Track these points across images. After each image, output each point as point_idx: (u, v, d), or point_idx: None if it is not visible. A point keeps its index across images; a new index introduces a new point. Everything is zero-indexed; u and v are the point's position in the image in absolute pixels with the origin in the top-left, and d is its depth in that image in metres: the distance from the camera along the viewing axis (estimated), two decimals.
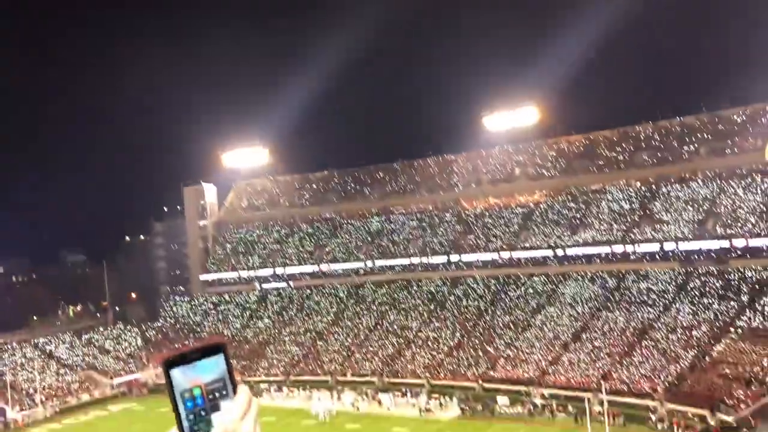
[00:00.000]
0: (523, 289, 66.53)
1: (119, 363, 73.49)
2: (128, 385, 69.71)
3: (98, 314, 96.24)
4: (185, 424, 1.52)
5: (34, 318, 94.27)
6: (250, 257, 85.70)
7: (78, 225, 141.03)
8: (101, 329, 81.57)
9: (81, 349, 75.59)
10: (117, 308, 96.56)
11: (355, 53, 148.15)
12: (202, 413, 1.53)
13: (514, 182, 76.90)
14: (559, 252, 66.51)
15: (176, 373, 1.53)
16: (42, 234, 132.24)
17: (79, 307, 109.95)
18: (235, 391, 1.58)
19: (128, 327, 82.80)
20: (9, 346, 71.92)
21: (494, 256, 70.30)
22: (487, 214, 75.41)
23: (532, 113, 77.30)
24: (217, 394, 1.54)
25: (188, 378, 1.53)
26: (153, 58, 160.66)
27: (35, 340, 75.20)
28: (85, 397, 66.02)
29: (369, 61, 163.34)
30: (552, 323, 60.28)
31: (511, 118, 77.33)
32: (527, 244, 69.29)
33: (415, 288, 73.03)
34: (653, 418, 44.73)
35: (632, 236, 63.11)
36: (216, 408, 1.53)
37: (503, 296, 66.97)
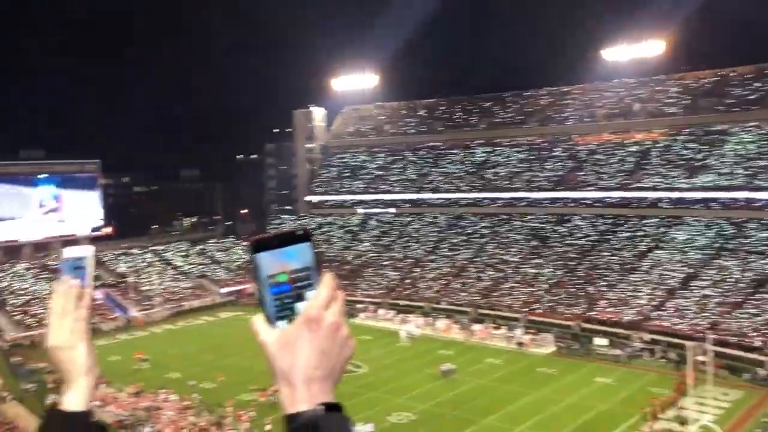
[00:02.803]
0: (632, 230, 63.98)
1: (228, 273, 77.85)
2: (237, 294, 73.89)
3: (211, 227, 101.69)
4: (271, 309, 1.48)
5: (154, 227, 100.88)
6: (353, 182, 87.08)
7: (196, 143, 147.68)
8: (213, 241, 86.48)
9: (194, 258, 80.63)
10: (228, 222, 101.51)
11: None
12: (288, 300, 1.47)
13: (631, 118, 72.88)
14: (675, 194, 63.09)
15: (263, 256, 1.46)
16: (163, 150, 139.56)
17: (194, 220, 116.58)
18: (321, 282, 1.49)
19: (237, 240, 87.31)
20: (132, 251, 77.77)
21: (604, 194, 67.67)
22: (600, 150, 72.27)
23: (658, 46, 72.21)
24: (302, 283, 1.47)
25: (275, 263, 1.46)
26: None
27: (154, 247, 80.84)
28: (196, 303, 70.68)
29: None
30: (660, 267, 57.86)
31: (634, 51, 72.66)
32: (641, 184, 66.11)
33: (517, 222, 71.91)
34: (760, 373, 42.56)
35: (757, 182, 58.73)
36: (301, 297, 1.46)
37: (610, 236, 64.75)
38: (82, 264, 2.00)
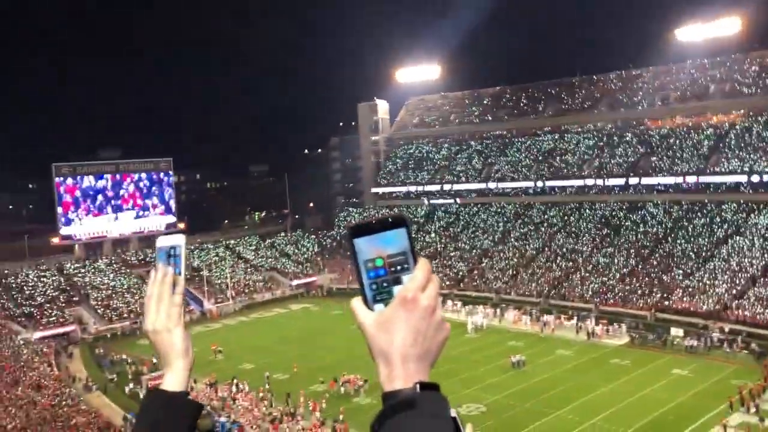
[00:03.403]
0: (709, 216, 61.49)
1: (298, 266, 79.22)
2: (306, 286, 75.14)
3: (280, 221, 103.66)
4: (368, 293, 1.52)
5: (226, 222, 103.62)
6: (419, 173, 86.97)
7: (264, 139, 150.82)
8: (282, 235, 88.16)
9: (265, 252, 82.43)
10: (296, 216, 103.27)
11: None
12: (385, 284, 1.52)
13: (707, 100, 69.92)
14: (755, 178, 60.22)
15: (360, 242, 1.52)
16: (232, 147, 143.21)
17: (263, 214, 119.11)
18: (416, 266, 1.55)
19: (306, 234, 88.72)
20: (206, 246, 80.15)
21: (679, 180, 65.28)
22: (674, 134, 69.70)
23: (734, 24, 68.95)
24: (398, 267, 1.52)
25: (371, 248, 1.51)
26: None
27: (226, 242, 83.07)
28: (267, 296, 72.27)
29: None
30: (740, 255, 55.38)
31: (709, 30, 69.60)
32: (718, 169, 63.43)
33: (588, 211, 70.24)
34: None
35: None
36: (398, 281, 1.51)
37: (685, 223, 62.42)
38: (175, 252, 2.10)
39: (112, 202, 76.92)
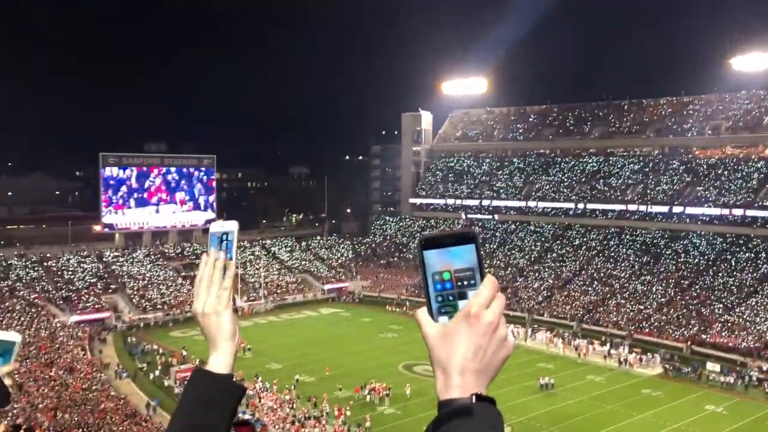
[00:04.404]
0: (754, 251, 59.79)
1: (331, 271, 79.49)
2: (338, 291, 75.30)
3: (316, 224, 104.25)
4: (434, 305, 1.54)
5: (263, 221, 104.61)
6: (458, 186, 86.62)
7: (307, 142, 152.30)
8: (318, 238, 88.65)
9: (299, 254, 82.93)
10: (333, 221, 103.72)
11: None
12: (450, 297, 1.54)
13: (760, 131, 68.19)
14: None
15: (430, 254, 1.54)
16: (275, 148, 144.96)
17: (300, 216, 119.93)
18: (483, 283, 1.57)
19: (341, 239, 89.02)
20: (242, 244, 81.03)
21: (725, 211, 63.67)
22: (723, 164, 68.09)
23: None
24: (465, 282, 1.54)
25: (440, 261, 1.54)
26: None
27: (263, 241, 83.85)
28: (299, 297, 72.64)
29: None
30: None
31: (767, 60, 67.94)
32: (767, 203, 61.69)
33: (628, 236, 68.98)
34: None
35: None
36: (463, 296, 1.53)
37: (729, 257, 60.82)
38: (228, 237, 2.13)
39: (155, 194, 78.35)
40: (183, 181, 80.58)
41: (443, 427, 1.46)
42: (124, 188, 76.20)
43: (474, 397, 1.49)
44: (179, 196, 80.00)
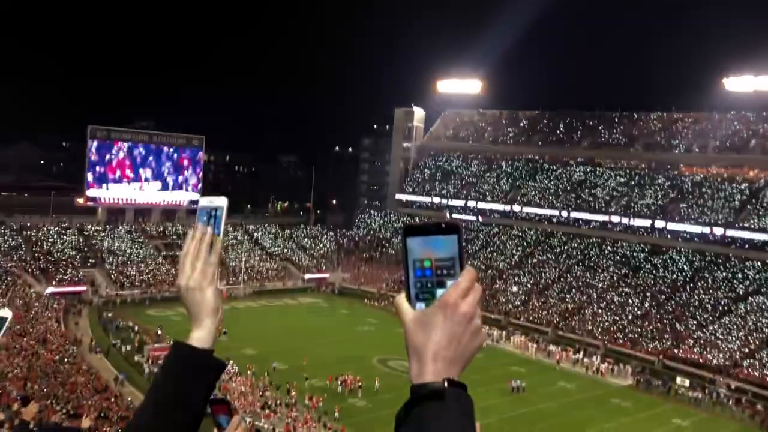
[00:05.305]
0: (731, 271, 60.55)
1: (313, 261, 79.44)
2: (317, 282, 75.28)
3: (302, 213, 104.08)
4: (413, 291, 1.57)
5: (248, 207, 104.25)
6: (445, 185, 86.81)
7: (297, 132, 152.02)
8: (302, 227, 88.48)
9: (282, 242, 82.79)
10: (318, 211, 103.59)
11: None
12: (429, 285, 1.57)
13: (745, 153, 68.99)
14: None
15: (413, 241, 1.57)
16: (265, 134, 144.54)
17: (286, 204, 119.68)
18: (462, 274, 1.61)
19: (325, 230, 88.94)
20: (225, 228, 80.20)
21: (706, 230, 64.37)
22: (708, 182, 68.81)
23: None
24: (445, 271, 1.57)
25: (422, 249, 1.57)
26: None
27: (246, 226, 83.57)
28: (279, 285, 72.52)
29: None
30: (757, 314, 54.47)
31: (759, 83, 68.69)
32: (747, 224, 62.47)
33: (609, 248, 69.55)
34: None
35: None
36: (442, 284, 1.56)
37: (706, 275, 61.53)
38: (217, 213, 2.13)
39: (140, 171, 77.78)
40: (170, 160, 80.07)
41: (415, 409, 1.50)
42: (110, 162, 75.58)
43: (446, 382, 1.53)
44: (166, 174, 79.50)
